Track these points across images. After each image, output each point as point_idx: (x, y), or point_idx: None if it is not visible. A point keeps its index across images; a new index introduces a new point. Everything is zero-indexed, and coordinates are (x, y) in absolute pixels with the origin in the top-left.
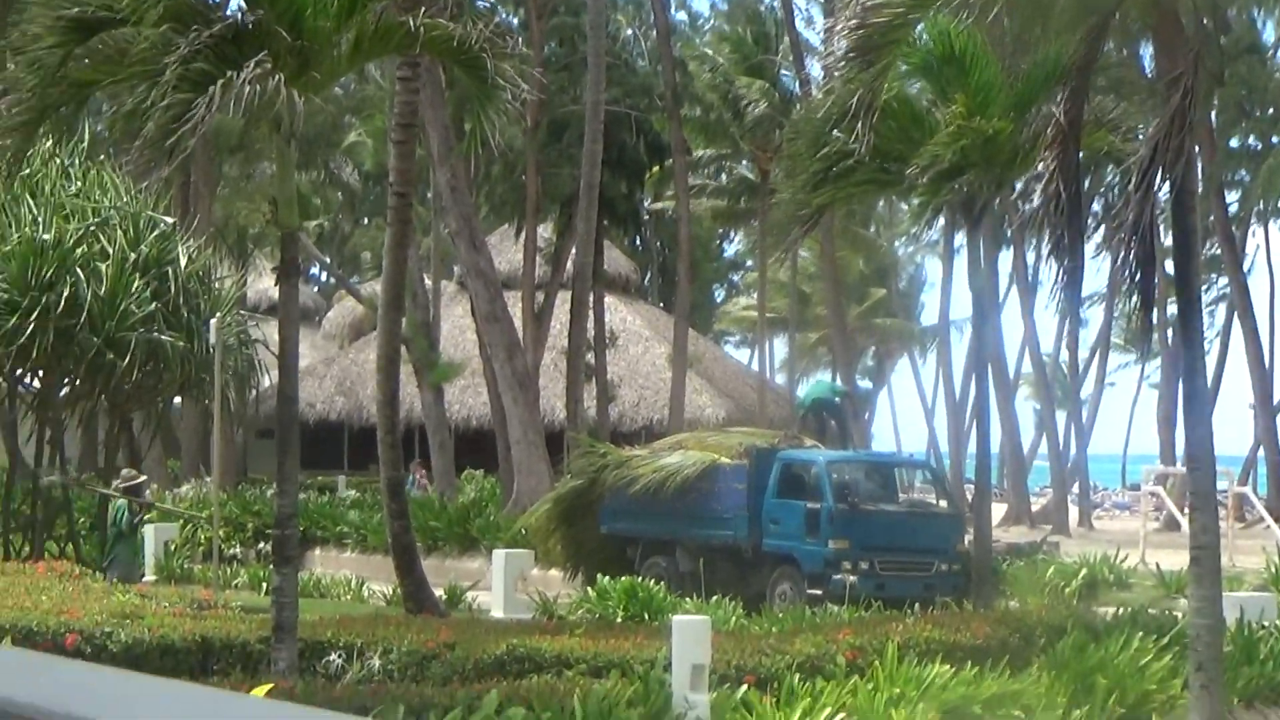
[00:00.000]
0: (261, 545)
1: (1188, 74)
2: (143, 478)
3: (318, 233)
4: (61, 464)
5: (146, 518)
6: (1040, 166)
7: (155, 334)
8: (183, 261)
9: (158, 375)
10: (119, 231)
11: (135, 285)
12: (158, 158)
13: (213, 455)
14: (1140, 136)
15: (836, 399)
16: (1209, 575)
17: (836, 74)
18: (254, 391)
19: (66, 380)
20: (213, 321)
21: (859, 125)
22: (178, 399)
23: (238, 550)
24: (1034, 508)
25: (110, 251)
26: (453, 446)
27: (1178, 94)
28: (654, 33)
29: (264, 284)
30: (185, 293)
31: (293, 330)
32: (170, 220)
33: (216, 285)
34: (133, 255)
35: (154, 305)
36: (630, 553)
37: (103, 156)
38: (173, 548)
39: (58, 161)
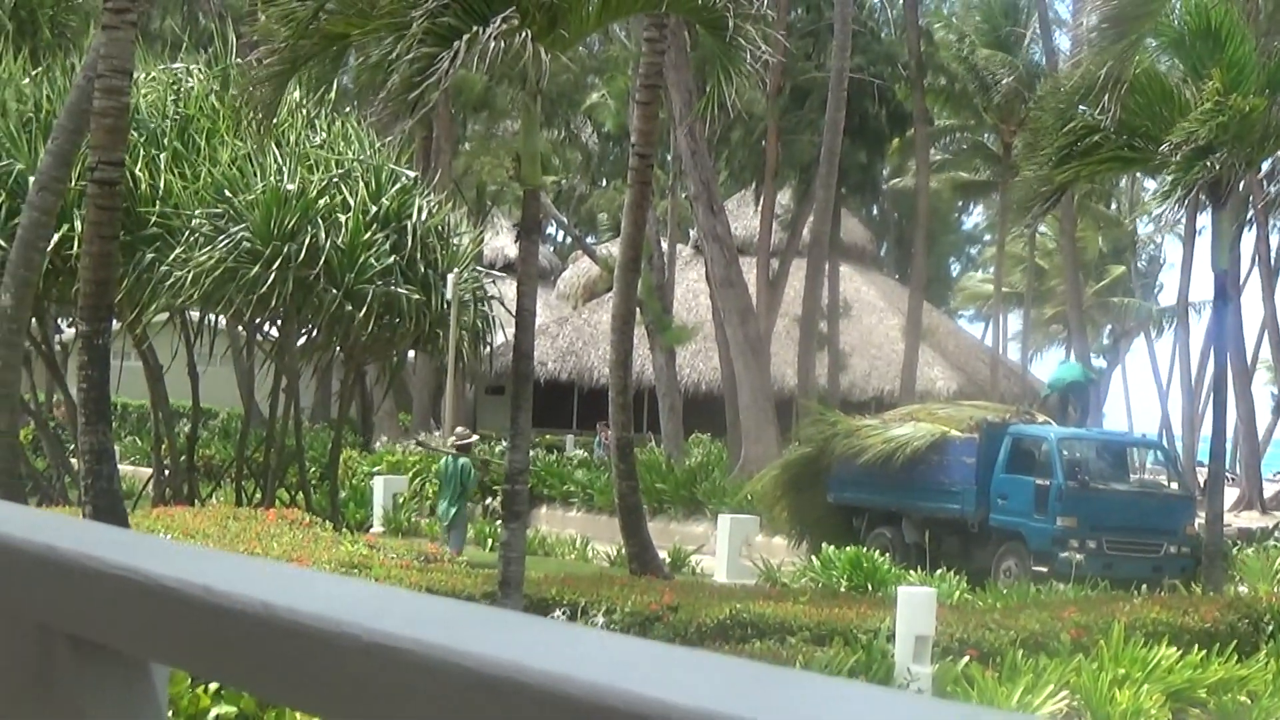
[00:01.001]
0: (489, 501)
1: None
2: (474, 437)
3: (555, 192)
4: (296, 414)
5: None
6: None
7: (392, 287)
8: (422, 216)
9: (393, 328)
10: (361, 184)
11: (375, 238)
12: (402, 110)
13: (444, 410)
14: None
15: (1087, 383)
16: None
17: (1086, 46)
18: (487, 348)
19: (304, 330)
20: (450, 276)
21: (1106, 99)
22: (411, 352)
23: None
24: (1267, 493)
25: (351, 203)
26: (682, 410)
27: None
28: (901, 0)
29: (500, 241)
30: (423, 247)
31: (531, 286)
32: (412, 174)
33: (455, 241)
34: (373, 208)
35: (392, 258)
36: (856, 523)
37: (348, 109)
38: (400, 500)
39: (304, 112)
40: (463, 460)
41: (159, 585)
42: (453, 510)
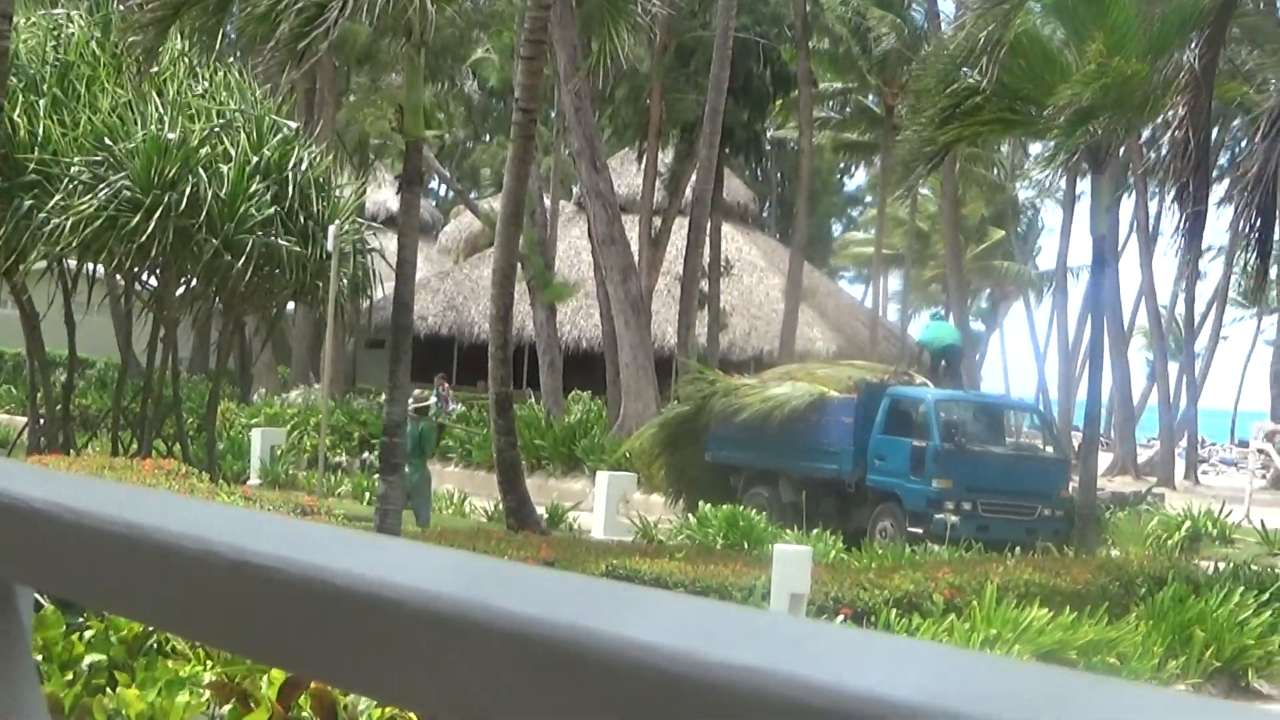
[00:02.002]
0: (366, 455)
1: None
2: (432, 399)
3: (438, 146)
4: (174, 364)
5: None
6: (1170, 113)
7: (272, 238)
8: (303, 167)
9: (273, 279)
10: (242, 134)
11: (256, 188)
12: (290, 61)
13: (323, 362)
14: (1274, 87)
15: (961, 345)
16: None
17: (969, 9)
18: (367, 301)
19: (183, 280)
20: (331, 228)
21: (985, 60)
22: (291, 304)
23: (343, 459)
24: (1140, 458)
25: (233, 153)
26: (562, 367)
27: None
28: None
29: (382, 194)
30: (304, 198)
31: (412, 238)
32: (294, 125)
33: (336, 192)
34: (255, 158)
35: (273, 209)
36: (733, 481)
37: (231, 58)
38: (279, 453)
39: (186, 61)
40: (422, 423)
41: (25, 506)
42: (415, 476)
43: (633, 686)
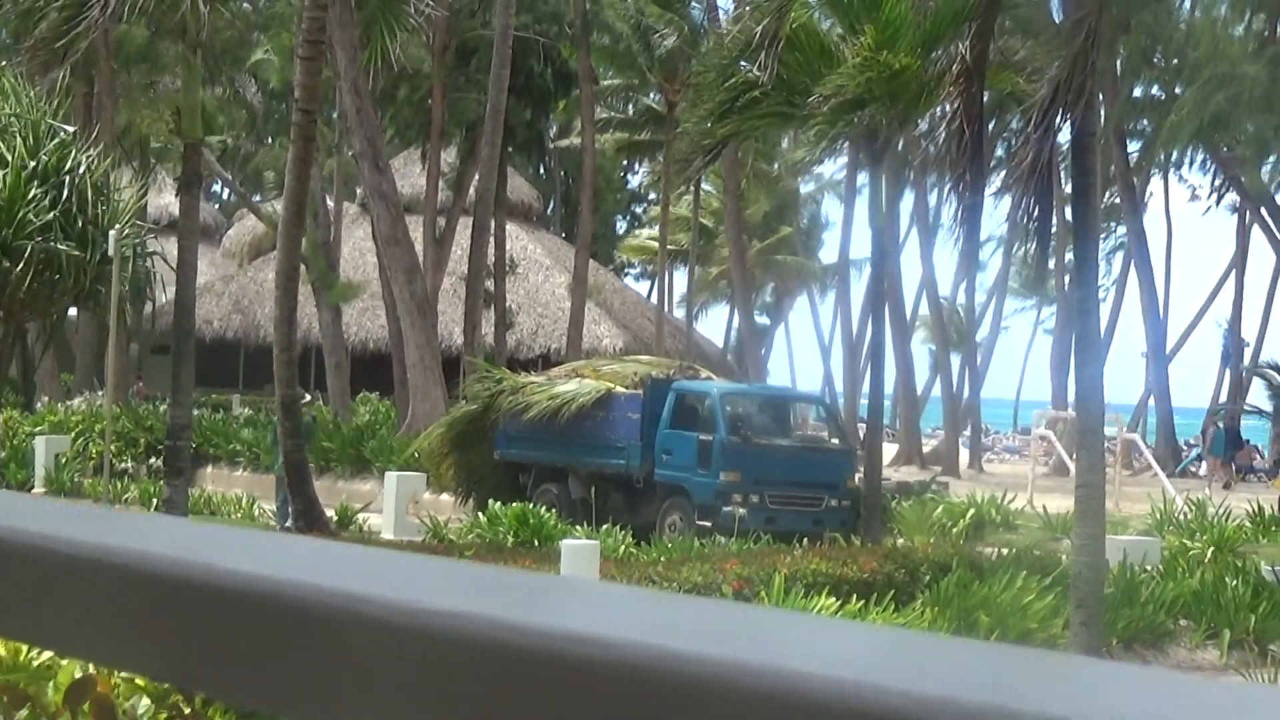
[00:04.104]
0: (153, 460)
1: (1092, 16)
2: (307, 396)
3: (221, 150)
4: None
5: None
6: (946, 105)
7: (52, 243)
8: (81, 171)
9: (53, 285)
10: (18, 138)
11: (33, 193)
12: (51, 59)
13: (107, 368)
14: (1046, 78)
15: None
16: (1093, 513)
17: (747, 4)
18: (150, 305)
19: None
20: (111, 232)
21: (762, 54)
22: (73, 310)
23: (129, 465)
24: (925, 448)
25: (9, 158)
26: (349, 368)
27: (1081, 35)
28: None
29: (164, 199)
30: (83, 202)
31: (192, 241)
32: (71, 129)
33: (116, 196)
34: (31, 163)
35: (51, 214)
36: (523, 479)
37: (4, 63)
38: (63, 460)
39: None
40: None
41: None
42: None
43: (571, 681)
